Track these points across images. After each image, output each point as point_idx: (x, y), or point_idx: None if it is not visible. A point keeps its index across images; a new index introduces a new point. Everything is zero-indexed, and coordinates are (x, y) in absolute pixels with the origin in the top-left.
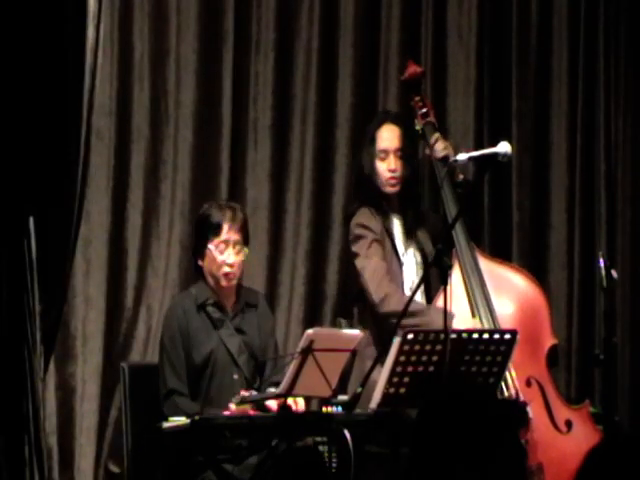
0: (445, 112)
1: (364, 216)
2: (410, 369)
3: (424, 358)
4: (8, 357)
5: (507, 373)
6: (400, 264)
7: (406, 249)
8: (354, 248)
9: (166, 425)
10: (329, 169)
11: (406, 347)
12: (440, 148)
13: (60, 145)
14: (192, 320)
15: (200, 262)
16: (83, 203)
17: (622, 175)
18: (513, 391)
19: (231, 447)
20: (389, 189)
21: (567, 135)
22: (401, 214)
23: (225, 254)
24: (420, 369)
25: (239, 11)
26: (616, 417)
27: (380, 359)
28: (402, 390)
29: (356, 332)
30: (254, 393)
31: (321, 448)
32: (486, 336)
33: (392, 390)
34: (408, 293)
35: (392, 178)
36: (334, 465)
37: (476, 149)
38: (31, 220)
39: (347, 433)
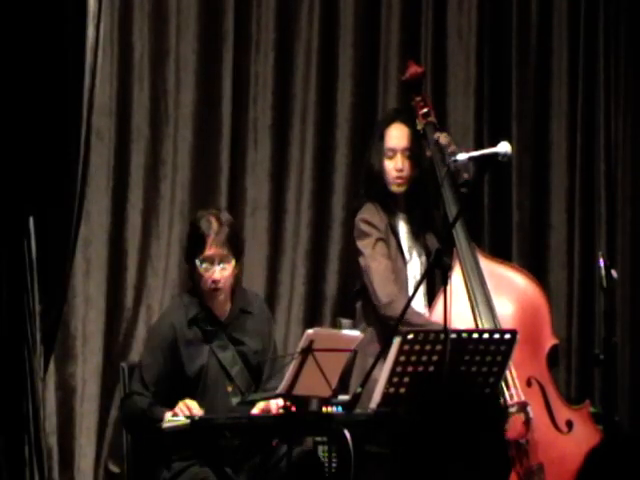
0: (445, 112)
1: (369, 212)
2: (410, 369)
3: (424, 358)
4: (8, 357)
5: (507, 373)
6: (405, 262)
7: (411, 248)
8: (359, 245)
9: (166, 425)
10: (329, 169)
11: (406, 347)
12: (445, 142)
13: (60, 145)
14: (183, 334)
15: (192, 270)
16: (83, 203)
17: (622, 175)
18: (513, 391)
19: (231, 447)
20: (395, 188)
21: (567, 135)
22: (407, 213)
23: (210, 271)
24: (420, 369)
25: (239, 11)
26: (616, 417)
27: (382, 355)
28: (402, 390)
29: (356, 333)
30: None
31: (321, 448)
32: (486, 336)
33: (392, 390)
34: (411, 291)
35: (398, 178)
36: (334, 465)
37: (476, 149)
38: (31, 220)
39: (347, 433)
